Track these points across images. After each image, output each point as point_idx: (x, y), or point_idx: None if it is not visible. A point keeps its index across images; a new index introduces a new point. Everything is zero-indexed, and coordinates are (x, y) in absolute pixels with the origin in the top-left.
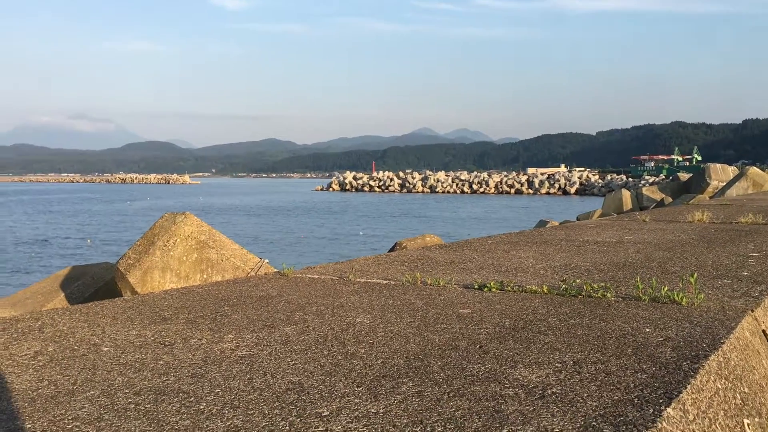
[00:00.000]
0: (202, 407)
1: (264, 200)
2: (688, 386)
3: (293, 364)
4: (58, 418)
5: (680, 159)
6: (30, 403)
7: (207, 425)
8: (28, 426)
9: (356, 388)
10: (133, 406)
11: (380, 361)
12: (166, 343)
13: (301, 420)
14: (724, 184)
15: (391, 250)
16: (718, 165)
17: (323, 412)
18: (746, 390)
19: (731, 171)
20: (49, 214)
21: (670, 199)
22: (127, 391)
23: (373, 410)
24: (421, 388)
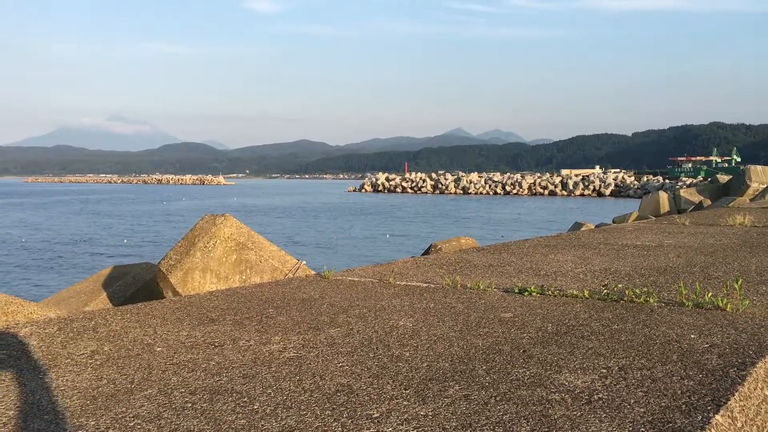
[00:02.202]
0: (255, 407)
1: (297, 201)
2: (736, 393)
3: (340, 366)
4: (120, 416)
5: (719, 160)
6: (92, 401)
7: (262, 425)
8: (92, 423)
9: (404, 391)
10: (190, 405)
11: (426, 365)
12: (216, 344)
13: (352, 421)
14: (765, 186)
15: (426, 252)
16: (759, 166)
17: (373, 413)
18: None
19: None
20: (88, 214)
21: (709, 202)
22: (182, 390)
23: (422, 413)
24: (468, 392)
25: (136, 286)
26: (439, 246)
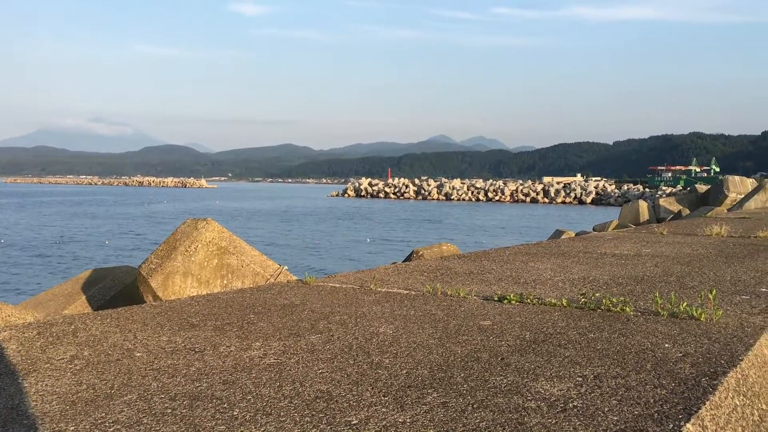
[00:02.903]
0: (235, 413)
1: (280, 205)
2: (707, 402)
3: (320, 373)
4: (99, 421)
5: (698, 170)
6: (71, 406)
7: (241, 431)
8: (71, 428)
9: (383, 398)
10: (169, 411)
11: (405, 372)
12: (197, 350)
13: (331, 428)
14: (743, 196)
15: (408, 258)
16: (737, 177)
17: (352, 420)
18: (764, 407)
19: (750, 183)
20: (68, 216)
21: (688, 211)
22: (162, 396)
23: (400, 420)
24: (446, 399)
25: (116, 289)
26: (421, 252)
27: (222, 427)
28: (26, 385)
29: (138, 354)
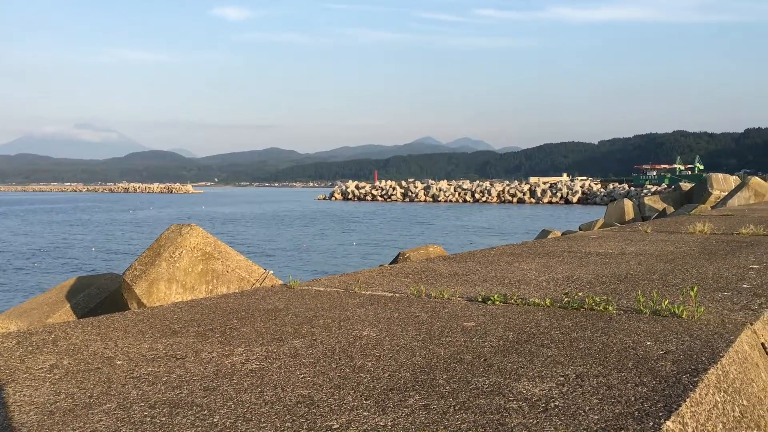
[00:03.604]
0: (215, 420)
1: (266, 209)
2: (688, 399)
3: (303, 378)
4: (77, 431)
5: (682, 168)
6: (49, 416)
7: None
8: None
9: (365, 401)
10: (149, 419)
11: (387, 375)
12: (178, 357)
13: None
14: (726, 194)
15: (394, 260)
16: (720, 175)
17: (333, 425)
18: (745, 403)
19: (733, 180)
20: (52, 224)
21: (672, 209)
22: (142, 404)
23: (381, 423)
24: (428, 401)
25: (101, 297)
26: (408, 254)
27: None
28: (3, 395)
29: (118, 362)
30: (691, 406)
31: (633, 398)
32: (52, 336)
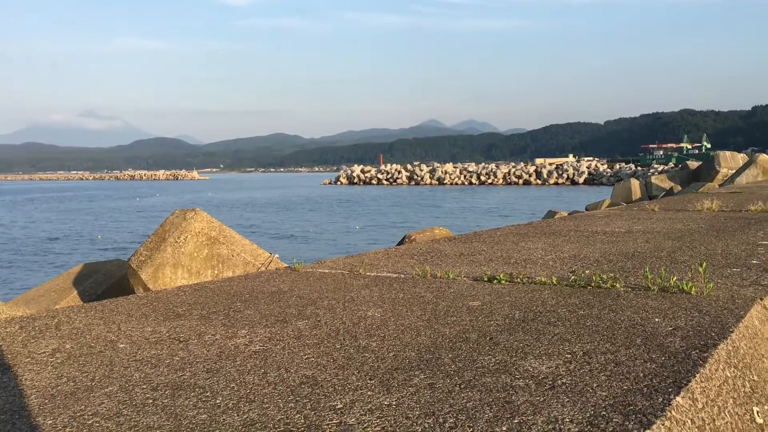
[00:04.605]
0: (218, 401)
1: (272, 195)
2: (697, 375)
3: (306, 358)
4: (78, 414)
5: (689, 147)
6: (50, 400)
7: (224, 419)
8: (50, 422)
9: (369, 381)
10: (150, 401)
11: (392, 354)
12: (181, 339)
13: (315, 413)
14: (734, 171)
15: (401, 242)
16: (728, 152)
17: (337, 405)
18: (755, 378)
19: (741, 158)
20: (59, 212)
21: (680, 188)
22: (144, 386)
23: (386, 402)
24: (433, 381)
25: (108, 283)
26: (413, 236)
27: (204, 415)
28: (5, 380)
29: (121, 345)
30: (701, 381)
31: (642, 375)
32: (55, 321)
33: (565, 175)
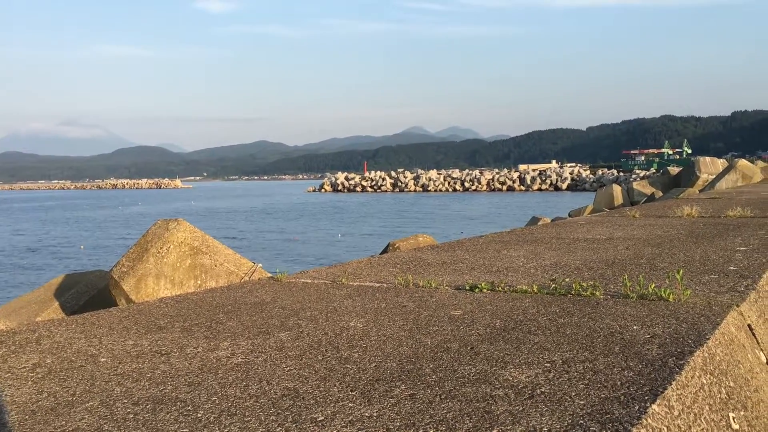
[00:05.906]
0: (199, 415)
1: (256, 203)
2: (674, 382)
3: (288, 370)
4: (58, 429)
5: (670, 152)
6: (30, 416)
7: None
8: None
9: (350, 393)
10: (132, 416)
11: (373, 365)
12: (163, 352)
13: (296, 425)
14: (714, 177)
15: (384, 251)
16: (708, 158)
17: (318, 417)
18: (731, 384)
19: (720, 164)
20: (40, 222)
21: (661, 194)
22: (125, 401)
23: (366, 414)
24: (414, 391)
25: (89, 294)
26: (397, 245)
27: (185, 429)
28: None
29: (102, 359)
30: (677, 388)
31: (619, 383)
32: (36, 335)
33: (548, 181)
